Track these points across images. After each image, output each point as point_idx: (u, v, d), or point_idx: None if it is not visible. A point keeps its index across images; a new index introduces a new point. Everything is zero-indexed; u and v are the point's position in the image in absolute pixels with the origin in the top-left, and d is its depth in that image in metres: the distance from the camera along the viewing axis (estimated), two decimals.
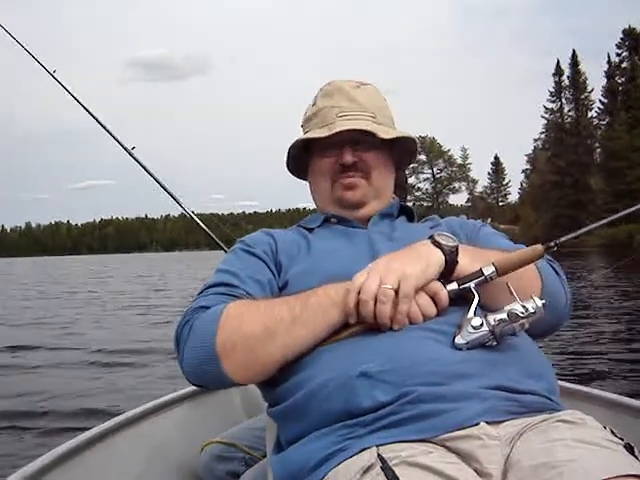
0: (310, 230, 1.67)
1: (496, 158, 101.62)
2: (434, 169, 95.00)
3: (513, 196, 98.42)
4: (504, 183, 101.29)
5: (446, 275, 1.34)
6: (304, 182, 1.84)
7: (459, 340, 1.22)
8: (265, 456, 1.82)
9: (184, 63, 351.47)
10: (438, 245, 1.35)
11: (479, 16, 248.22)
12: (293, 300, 1.32)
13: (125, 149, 3.03)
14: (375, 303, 1.25)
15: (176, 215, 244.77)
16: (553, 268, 1.51)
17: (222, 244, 2.90)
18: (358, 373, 1.18)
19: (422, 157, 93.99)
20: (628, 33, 64.36)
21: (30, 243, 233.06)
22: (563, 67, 70.85)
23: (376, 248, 1.50)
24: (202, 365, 1.31)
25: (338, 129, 1.59)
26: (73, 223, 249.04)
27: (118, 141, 3.10)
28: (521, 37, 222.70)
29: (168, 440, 2.32)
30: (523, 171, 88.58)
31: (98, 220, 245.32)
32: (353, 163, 1.63)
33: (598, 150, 67.32)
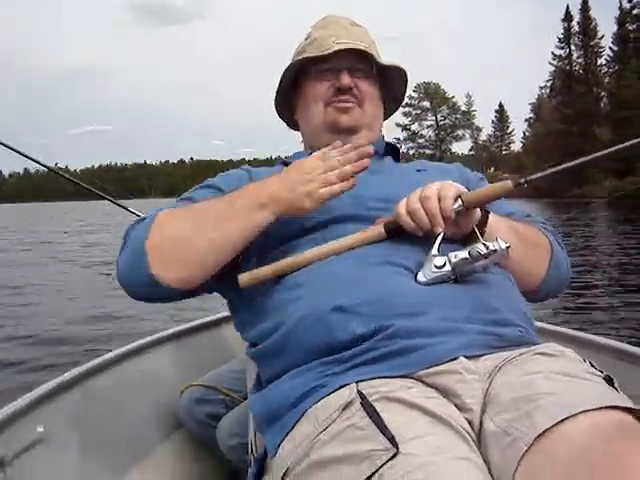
0: None
1: (500, 106, 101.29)
2: (438, 116, 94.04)
3: (517, 145, 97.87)
4: (508, 132, 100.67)
5: None
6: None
7: (421, 277, 1.23)
8: (246, 398, 1.87)
9: (183, 6, 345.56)
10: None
11: None
12: (220, 200, 1.36)
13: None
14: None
15: (175, 162, 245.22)
16: (558, 242, 1.57)
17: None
18: (332, 307, 1.19)
19: (426, 103, 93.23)
20: None
21: (29, 188, 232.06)
22: (573, 13, 69.19)
23: (357, 185, 1.40)
24: (132, 265, 1.33)
25: (338, 47, 1.60)
26: (72, 169, 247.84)
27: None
28: None
29: (148, 383, 2.29)
30: (526, 120, 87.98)
31: (97, 166, 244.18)
32: (349, 88, 1.62)
33: (605, 99, 66.00)
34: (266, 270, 1.34)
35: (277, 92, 1.75)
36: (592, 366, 1.10)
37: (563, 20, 69.51)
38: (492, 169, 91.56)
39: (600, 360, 1.81)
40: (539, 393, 0.98)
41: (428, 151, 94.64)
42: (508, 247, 1.22)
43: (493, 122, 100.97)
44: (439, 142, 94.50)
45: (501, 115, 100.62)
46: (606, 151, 1.52)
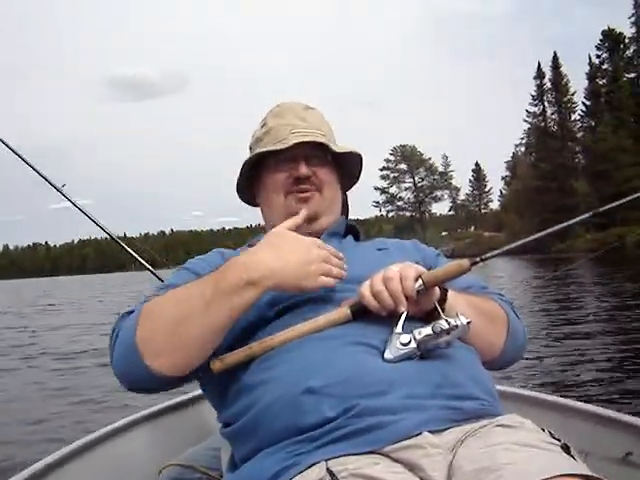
0: None
1: (477, 165, 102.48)
2: (415, 178, 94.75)
3: (495, 203, 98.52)
4: (486, 190, 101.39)
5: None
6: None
7: (387, 355, 1.26)
8: (222, 476, 1.89)
9: (163, 81, 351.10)
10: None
11: (451, 25, 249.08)
12: (204, 283, 1.35)
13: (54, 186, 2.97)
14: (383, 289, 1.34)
15: (155, 233, 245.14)
16: (514, 312, 1.61)
17: (147, 265, 2.95)
18: (303, 389, 1.22)
19: (403, 166, 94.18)
20: (607, 34, 64.10)
21: (7, 265, 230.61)
22: (544, 70, 70.12)
23: None
24: (128, 365, 1.33)
25: (295, 140, 1.63)
26: (52, 244, 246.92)
27: (47, 179, 3.03)
28: (497, 45, 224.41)
29: (126, 464, 2.29)
30: (503, 178, 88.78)
31: (77, 240, 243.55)
32: (307, 177, 1.66)
33: (581, 154, 66.22)
34: (238, 355, 1.36)
35: (238, 182, 1.77)
36: (550, 435, 1.15)
37: (535, 77, 70.83)
38: (472, 228, 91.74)
39: (560, 422, 2.01)
40: (500, 464, 1.02)
41: (407, 213, 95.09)
42: (469, 322, 1.27)
43: (470, 181, 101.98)
44: (418, 204, 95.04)
45: (478, 174, 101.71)
46: (568, 222, 1.70)
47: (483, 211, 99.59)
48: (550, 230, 1.66)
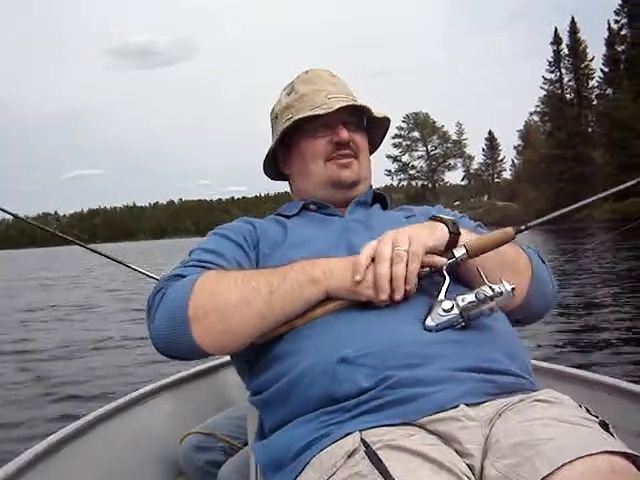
0: (288, 217, 1.68)
1: (490, 134, 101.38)
2: (428, 146, 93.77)
3: (507, 172, 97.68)
4: (499, 159, 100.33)
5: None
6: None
7: (429, 322, 1.25)
8: (245, 444, 1.95)
9: (169, 49, 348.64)
10: (440, 220, 1.40)
11: None
12: (270, 273, 1.33)
13: None
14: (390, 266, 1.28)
15: (164, 202, 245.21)
16: (540, 257, 1.56)
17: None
18: (338, 358, 1.20)
19: (416, 134, 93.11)
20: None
21: (17, 236, 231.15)
22: (562, 37, 68.71)
23: (352, 237, 1.51)
24: (172, 331, 1.29)
25: (339, 105, 1.61)
26: (62, 213, 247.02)
27: None
28: (511, 14, 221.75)
29: (147, 432, 2.35)
30: (515, 147, 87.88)
31: (86, 210, 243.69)
32: (348, 141, 1.64)
33: (597, 122, 65.09)
34: (280, 328, 1.33)
35: (269, 152, 1.75)
36: (588, 411, 1.14)
37: (552, 43, 69.50)
38: (485, 197, 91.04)
39: (597, 399, 1.96)
40: (538, 439, 1.02)
41: (420, 182, 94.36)
42: (513, 289, 1.24)
43: (484, 150, 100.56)
44: (431, 172, 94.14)
45: (491, 143, 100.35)
46: (607, 192, 1.61)
47: (496, 180, 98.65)
48: (595, 197, 1.56)
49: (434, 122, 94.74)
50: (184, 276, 1.36)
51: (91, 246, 2.88)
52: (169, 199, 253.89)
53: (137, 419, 2.31)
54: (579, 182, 60.26)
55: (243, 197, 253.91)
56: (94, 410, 2.16)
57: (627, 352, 6.73)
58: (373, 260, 1.30)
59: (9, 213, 2.90)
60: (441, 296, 1.27)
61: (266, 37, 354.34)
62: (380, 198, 1.78)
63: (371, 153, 1.82)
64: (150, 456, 2.30)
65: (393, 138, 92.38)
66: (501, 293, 1.22)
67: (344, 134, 1.63)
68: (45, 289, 20.98)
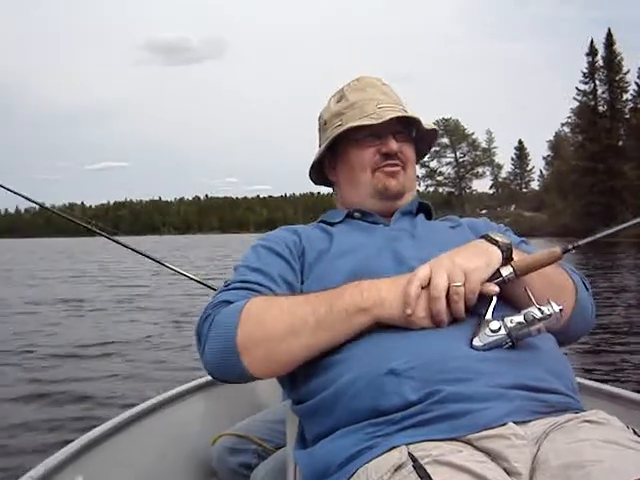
0: (332, 225, 1.68)
1: (520, 143, 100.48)
2: (457, 153, 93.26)
3: (535, 183, 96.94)
4: (528, 169, 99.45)
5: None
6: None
7: (477, 342, 1.24)
8: (278, 448, 1.96)
9: (200, 46, 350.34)
10: (495, 242, 1.37)
11: (499, 3, 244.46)
12: (318, 301, 1.31)
13: None
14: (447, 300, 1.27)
15: (190, 198, 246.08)
16: (584, 283, 1.55)
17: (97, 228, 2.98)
18: (386, 370, 1.20)
19: (445, 140, 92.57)
20: None
21: (44, 224, 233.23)
22: (597, 48, 67.72)
23: (398, 246, 1.51)
24: (223, 360, 1.32)
25: (390, 115, 1.61)
26: (87, 205, 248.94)
27: None
28: (543, 24, 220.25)
29: (181, 432, 2.38)
30: (544, 158, 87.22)
31: (112, 202, 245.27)
32: (396, 152, 1.64)
33: (630, 135, 64.05)
34: None
35: (316, 159, 1.76)
36: (635, 433, 1.14)
37: (587, 54, 68.23)
38: (513, 207, 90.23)
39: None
40: (587, 461, 1.01)
41: (447, 189, 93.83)
42: (561, 310, 1.24)
43: (513, 159, 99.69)
44: (458, 179, 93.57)
45: (521, 152, 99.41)
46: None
47: (524, 190, 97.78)
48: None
49: (464, 129, 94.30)
50: (231, 302, 1.37)
51: (121, 239, 2.96)
52: (195, 195, 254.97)
53: (170, 419, 2.34)
54: (610, 196, 59.52)
55: (269, 196, 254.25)
56: (126, 410, 2.21)
57: None
58: (423, 287, 1.27)
59: (37, 203, 3.03)
60: (488, 316, 1.26)
61: (296, 38, 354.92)
62: (425, 208, 1.76)
63: (416, 163, 1.82)
64: (183, 457, 2.33)
65: None
66: (550, 315, 1.22)
67: (393, 145, 1.63)
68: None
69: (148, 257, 3.03)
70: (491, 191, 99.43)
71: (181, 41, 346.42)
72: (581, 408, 1.24)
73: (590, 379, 2.38)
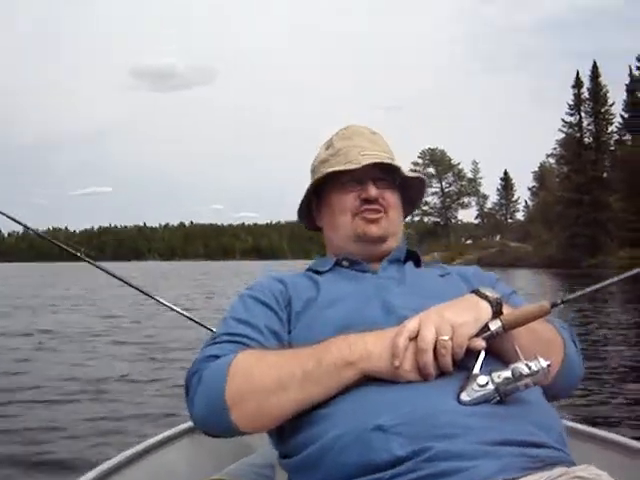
0: (319, 273, 1.69)
1: (505, 174, 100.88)
2: (443, 183, 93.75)
3: (520, 213, 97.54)
4: (513, 200, 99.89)
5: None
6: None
7: (464, 397, 1.23)
8: None
9: (187, 72, 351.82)
10: (484, 297, 1.37)
11: (485, 35, 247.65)
12: (305, 355, 1.32)
13: None
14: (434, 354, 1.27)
15: (175, 224, 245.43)
16: (573, 339, 1.57)
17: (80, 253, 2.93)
18: (373, 426, 1.19)
19: (431, 170, 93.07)
20: None
21: (26, 248, 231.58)
22: (582, 79, 68.35)
23: (386, 295, 1.52)
24: (211, 415, 1.34)
25: (368, 161, 1.65)
26: (71, 229, 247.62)
27: None
28: (525, 57, 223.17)
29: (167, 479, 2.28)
30: (529, 188, 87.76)
31: (96, 227, 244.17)
32: (375, 198, 1.67)
33: (615, 167, 64.38)
34: None
35: (301, 204, 1.79)
36: None
37: (573, 86, 68.90)
38: (498, 237, 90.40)
39: (627, 463, 1.94)
40: None
41: (433, 218, 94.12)
42: (549, 365, 1.24)
43: (498, 190, 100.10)
44: (444, 209, 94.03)
45: (506, 183, 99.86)
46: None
47: (509, 221, 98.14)
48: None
49: (450, 159, 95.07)
50: (219, 356, 1.38)
51: (105, 266, 2.88)
52: (180, 221, 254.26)
53: (154, 467, 2.23)
54: (595, 227, 59.67)
55: (255, 223, 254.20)
56: (110, 458, 2.08)
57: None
58: (411, 339, 1.27)
59: (23, 225, 2.96)
60: (476, 370, 1.25)
61: (285, 65, 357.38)
62: (413, 256, 1.77)
63: (410, 212, 1.87)
64: None
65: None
66: (537, 371, 1.22)
67: (372, 191, 1.65)
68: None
69: (138, 289, 2.90)
70: (476, 221, 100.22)
71: (168, 67, 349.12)
72: (572, 462, 1.20)
73: (578, 422, 2.36)
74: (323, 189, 1.74)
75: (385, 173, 1.70)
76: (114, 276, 2.86)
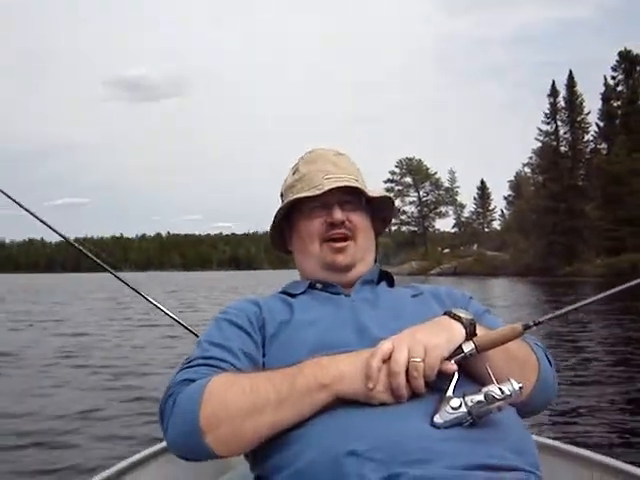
0: (293, 296, 1.69)
1: (482, 183, 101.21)
2: (420, 192, 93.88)
3: (497, 222, 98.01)
4: (490, 209, 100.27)
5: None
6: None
7: (437, 420, 1.24)
8: None
9: (162, 84, 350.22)
10: (457, 318, 1.38)
11: (459, 47, 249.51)
12: (279, 378, 1.32)
13: None
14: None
15: (152, 235, 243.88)
16: (547, 358, 1.57)
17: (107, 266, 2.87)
18: (346, 451, 1.19)
19: (408, 179, 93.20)
20: (624, 56, 63.11)
21: (3, 260, 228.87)
22: (558, 89, 68.99)
23: (360, 317, 1.52)
24: (186, 440, 1.33)
25: (329, 186, 1.64)
26: (47, 241, 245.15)
27: None
28: (501, 69, 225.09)
29: None
30: (505, 197, 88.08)
31: (72, 238, 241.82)
32: (341, 222, 1.67)
33: (591, 176, 64.76)
34: None
35: (272, 228, 1.79)
36: None
37: (549, 95, 69.52)
38: (475, 246, 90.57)
39: (596, 477, 1.96)
40: None
41: (411, 227, 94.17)
42: (521, 388, 1.25)
43: (475, 199, 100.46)
44: (421, 218, 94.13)
45: (483, 192, 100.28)
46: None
47: (486, 230, 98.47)
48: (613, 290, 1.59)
49: (427, 169, 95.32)
50: (193, 380, 1.37)
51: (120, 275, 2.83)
52: (157, 232, 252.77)
53: None
54: (571, 235, 59.87)
55: (232, 233, 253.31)
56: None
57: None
58: (384, 361, 1.28)
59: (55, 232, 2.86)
60: (449, 392, 1.26)
61: (259, 77, 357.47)
62: (386, 276, 1.78)
63: (383, 229, 1.88)
64: None
65: (385, 183, 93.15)
66: (510, 395, 1.23)
67: (337, 215, 1.64)
68: None
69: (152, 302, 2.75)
70: (454, 230, 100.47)
71: (143, 79, 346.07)
72: None
73: (550, 437, 2.31)
74: (292, 214, 1.72)
75: (351, 195, 1.67)
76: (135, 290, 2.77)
